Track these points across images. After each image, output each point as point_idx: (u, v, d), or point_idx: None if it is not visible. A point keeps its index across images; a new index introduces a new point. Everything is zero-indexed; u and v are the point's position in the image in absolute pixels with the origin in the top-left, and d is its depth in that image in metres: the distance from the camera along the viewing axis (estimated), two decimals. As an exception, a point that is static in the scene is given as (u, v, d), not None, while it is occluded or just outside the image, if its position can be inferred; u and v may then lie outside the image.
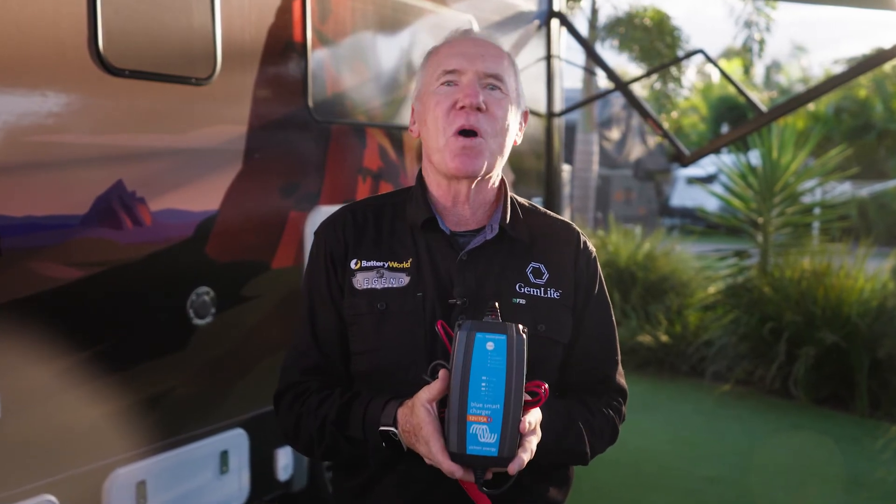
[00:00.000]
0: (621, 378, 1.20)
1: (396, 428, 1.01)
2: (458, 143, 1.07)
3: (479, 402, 0.93)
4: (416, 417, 0.97)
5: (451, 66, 1.08)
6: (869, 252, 4.76)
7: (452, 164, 1.07)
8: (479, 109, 1.06)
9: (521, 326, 0.96)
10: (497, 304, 0.98)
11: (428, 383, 0.98)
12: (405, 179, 2.65)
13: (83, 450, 1.72)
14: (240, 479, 2.08)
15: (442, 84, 1.09)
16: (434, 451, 0.95)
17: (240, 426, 2.09)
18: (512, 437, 0.93)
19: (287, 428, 1.13)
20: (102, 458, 1.75)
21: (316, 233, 1.17)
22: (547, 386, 0.99)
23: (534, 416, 0.99)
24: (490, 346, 0.93)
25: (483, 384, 0.93)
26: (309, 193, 2.30)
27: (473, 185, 1.11)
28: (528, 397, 0.97)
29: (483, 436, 0.92)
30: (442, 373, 0.96)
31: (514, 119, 1.12)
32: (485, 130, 1.07)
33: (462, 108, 1.06)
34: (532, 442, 0.97)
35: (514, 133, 1.14)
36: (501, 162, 1.12)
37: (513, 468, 0.94)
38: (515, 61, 1.16)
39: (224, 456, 2.04)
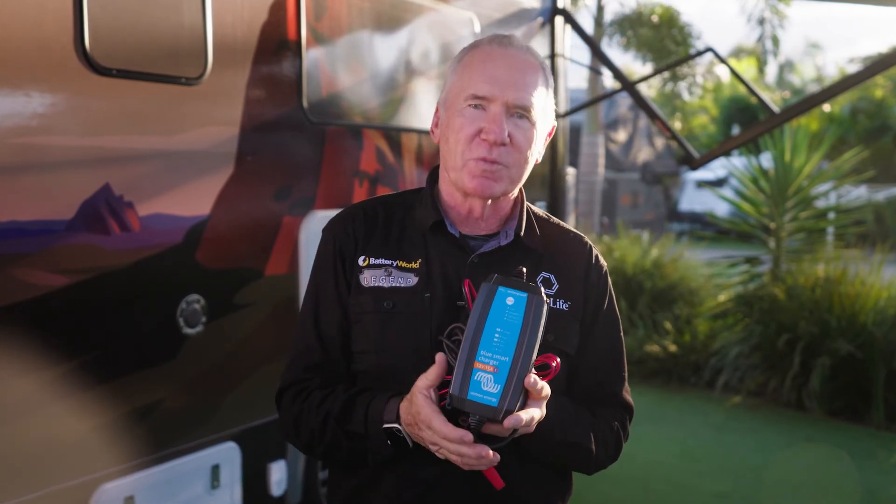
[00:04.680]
0: (627, 395, 1.19)
1: (400, 424, 1.01)
2: (479, 167, 1.07)
3: (489, 351, 0.95)
4: (414, 405, 0.98)
5: (481, 91, 1.06)
6: (885, 258, 4.70)
7: (471, 184, 1.08)
8: (503, 144, 1.06)
9: (545, 292, 0.99)
10: (524, 269, 1.02)
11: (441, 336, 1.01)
12: (403, 183, 2.60)
13: (69, 464, 1.67)
14: (231, 494, 2.04)
15: (469, 105, 1.07)
16: (436, 427, 0.95)
17: (232, 439, 2.05)
18: (514, 392, 0.94)
19: (287, 425, 1.13)
20: (89, 473, 1.71)
21: (325, 229, 1.17)
22: (559, 360, 1.01)
23: (542, 383, 0.98)
24: (510, 300, 0.97)
25: (496, 335, 0.96)
26: (303, 197, 2.25)
27: (490, 203, 1.11)
28: (536, 372, 0.98)
29: (486, 384, 0.94)
30: (438, 356, 0.98)
31: (538, 143, 1.11)
32: (506, 161, 1.07)
33: (485, 139, 1.06)
34: (534, 412, 0.97)
35: (537, 154, 1.13)
36: (521, 182, 1.12)
37: (508, 422, 0.94)
38: (550, 73, 1.13)
39: (215, 470, 1.99)
